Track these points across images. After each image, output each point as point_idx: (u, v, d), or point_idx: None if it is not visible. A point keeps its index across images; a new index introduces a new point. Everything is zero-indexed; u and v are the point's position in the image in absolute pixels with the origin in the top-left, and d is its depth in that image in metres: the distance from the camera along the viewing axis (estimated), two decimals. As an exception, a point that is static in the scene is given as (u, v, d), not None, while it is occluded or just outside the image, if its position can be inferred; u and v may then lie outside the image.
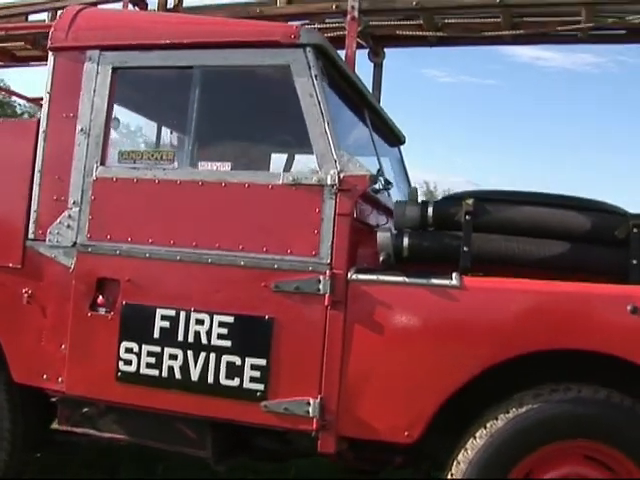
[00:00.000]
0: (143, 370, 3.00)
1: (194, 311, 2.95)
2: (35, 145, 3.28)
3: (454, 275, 2.69)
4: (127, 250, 3.07)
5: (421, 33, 4.00)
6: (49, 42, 3.31)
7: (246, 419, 2.89)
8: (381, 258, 2.79)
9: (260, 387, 2.85)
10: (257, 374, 2.85)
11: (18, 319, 3.25)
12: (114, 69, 3.18)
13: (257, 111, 3.30)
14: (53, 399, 3.29)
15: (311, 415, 2.77)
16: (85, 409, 3.24)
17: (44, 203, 3.24)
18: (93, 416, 3.23)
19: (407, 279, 2.73)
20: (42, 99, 4.67)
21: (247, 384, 2.86)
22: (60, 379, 3.15)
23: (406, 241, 2.80)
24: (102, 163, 3.16)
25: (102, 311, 3.10)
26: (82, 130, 3.20)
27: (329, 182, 2.82)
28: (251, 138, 3.42)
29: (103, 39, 3.22)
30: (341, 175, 2.81)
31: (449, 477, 2.66)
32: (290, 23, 3.15)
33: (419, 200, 2.94)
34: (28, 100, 4.73)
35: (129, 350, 3.03)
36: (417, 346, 2.70)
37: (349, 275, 2.79)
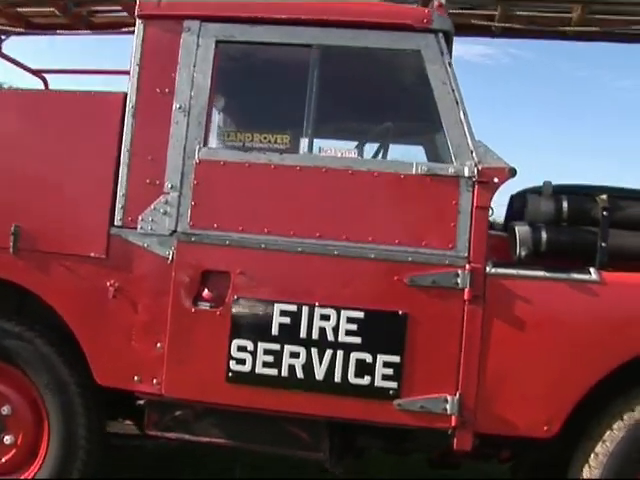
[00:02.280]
0: (259, 369, 2.92)
1: (318, 306, 2.91)
2: (121, 121, 3.10)
3: (592, 270, 2.83)
4: (238, 240, 2.97)
5: (487, 23, 4.12)
6: (137, 9, 3.14)
7: (378, 419, 2.89)
8: (523, 253, 2.89)
9: (393, 385, 2.86)
10: (390, 371, 2.86)
11: (102, 315, 3.07)
12: (218, 42, 3.07)
13: (380, 96, 3.27)
14: (140, 402, 3.15)
15: (449, 412, 2.82)
16: (178, 412, 3.12)
17: (134, 186, 3.07)
18: (187, 420, 3.11)
19: (547, 274, 2.84)
20: (42, 71, 4.46)
21: (379, 382, 2.86)
22: (155, 381, 3.01)
23: (544, 235, 2.91)
24: (204, 144, 3.05)
25: (208, 306, 3.00)
26: (180, 108, 3.05)
27: (466, 174, 2.87)
28: (372, 124, 3.39)
29: (204, 9, 3.08)
30: (479, 167, 2.87)
31: (585, 469, 2.81)
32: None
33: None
34: (31, 72, 4.41)
35: (242, 348, 2.94)
36: (557, 340, 2.81)
37: (487, 269, 2.87)
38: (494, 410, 2.82)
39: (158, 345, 3.00)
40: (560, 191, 3.01)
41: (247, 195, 2.99)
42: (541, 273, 2.84)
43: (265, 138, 3.04)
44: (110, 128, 3.10)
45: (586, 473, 2.79)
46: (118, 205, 3.06)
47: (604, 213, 2.88)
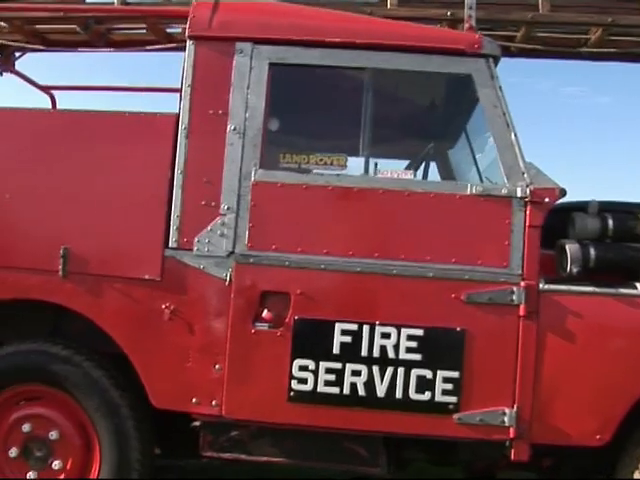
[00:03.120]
0: (321, 388, 3.02)
1: (379, 324, 3.03)
2: (174, 143, 3.15)
3: (638, 285, 3.05)
4: (297, 261, 3.06)
5: (505, 43, 4.32)
6: (187, 29, 3.19)
7: (438, 433, 3.03)
8: (574, 269, 3.07)
9: (453, 400, 3.00)
10: (449, 387, 3.00)
11: (157, 338, 3.11)
12: (271, 65, 3.15)
13: (431, 118, 3.41)
14: (195, 424, 3.21)
15: (507, 424, 2.98)
16: (233, 433, 3.19)
17: (189, 208, 3.12)
18: (243, 440, 3.18)
19: (596, 289, 3.04)
20: (50, 88, 4.45)
21: (439, 397, 3.00)
22: (214, 402, 3.07)
23: (593, 252, 3.10)
24: (261, 166, 3.13)
25: (267, 326, 3.08)
26: (235, 129, 3.12)
27: (519, 194, 3.03)
28: (424, 146, 3.52)
29: (256, 31, 3.15)
30: (531, 187, 3.05)
31: (636, 474, 3.01)
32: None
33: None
34: (40, 88, 4.38)
35: (304, 368, 3.04)
36: (608, 352, 3.00)
37: (540, 286, 3.04)
38: (548, 421, 2.99)
39: (217, 367, 3.06)
40: (601, 209, 3.20)
41: (305, 216, 3.08)
42: (591, 289, 3.03)
43: (321, 160, 3.14)
44: (162, 149, 3.15)
45: (637, 476, 2.98)
46: (173, 227, 3.11)
47: None
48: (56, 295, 3.16)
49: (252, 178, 3.08)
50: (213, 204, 3.09)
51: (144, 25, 4.44)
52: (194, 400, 3.07)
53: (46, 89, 4.50)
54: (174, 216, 3.11)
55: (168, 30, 4.53)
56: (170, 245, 3.11)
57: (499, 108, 3.07)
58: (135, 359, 3.11)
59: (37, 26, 4.35)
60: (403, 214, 3.06)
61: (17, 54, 4.39)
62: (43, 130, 3.24)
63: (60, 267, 3.12)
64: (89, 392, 3.17)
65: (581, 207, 3.19)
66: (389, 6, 4.06)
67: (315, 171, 3.11)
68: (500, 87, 3.08)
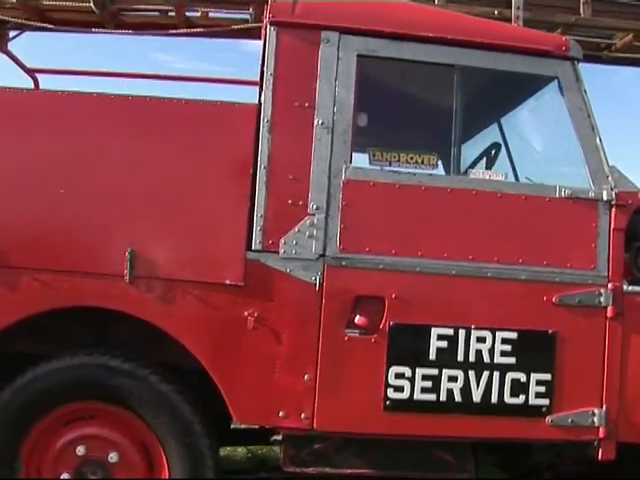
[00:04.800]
0: (417, 396, 3.00)
1: (475, 328, 3.05)
2: (256, 136, 3.02)
3: None
4: (392, 264, 3.02)
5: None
6: (268, 14, 3.05)
7: (531, 436, 3.10)
8: None
9: (545, 402, 3.09)
10: (542, 389, 3.09)
11: (239, 348, 2.96)
12: (359, 57, 3.08)
13: (517, 119, 3.45)
14: (275, 438, 3.09)
15: (596, 425, 3.10)
16: (317, 446, 3.11)
17: (274, 207, 2.99)
18: (327, 452, 3.09)
19: None
20: (35, 71, 4.12)
21: (533, 400, 3.07)
22: (303, 415, 2.97)
23: None
24: (351, 164, 3.05)
25: (361, 333, 3.03)
26: (323, 124, 3.02)
27: (605, 198, 3.16)
28: (511, 146, 3.55)
29: (343, 20, 3.06)
30: (615, 191, 3.19)
31: None
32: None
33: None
34: (25, 70, 4.01)
35: (400, 375, 3.00)
36: None
37: (625, 287, 3.20)
38: (634, 420, 3.15)
39: (306, 377, 2.96)
40: None
41: (398, 217, 3.04)
42: None
43: (412, 158, 3.11)
44: (243, 143, 2.99)
45: None
46: (256, 227, 2.97)
47: None
48: (121, 302, 2.93)
49: (342, 176, 3.00)
50: (300, 203, 2.98)
51: (160, 7, 4.18)
52: (281, 414, 2.95)
53: (32, 72, 4.12)
54: (257, 216, 2.97)
55: (187, 14, 4.29)
56: (253, 247, 2.96)
57: (584, 111, 3.18)
58: (215, 372, 2.94)
59: (43, 1, 3.96)
60: (495, 216, 3.10)
61: (13, 33, 3.97)
62: (102, 118, 2.98)
63: (126, 272, 2.89)
64: (157, 409, 2.97)
65: None
66: (436, 2, 4.07)
67: (406, 170, 3.08)
68: (585, 90, 3.19)
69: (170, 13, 4.27)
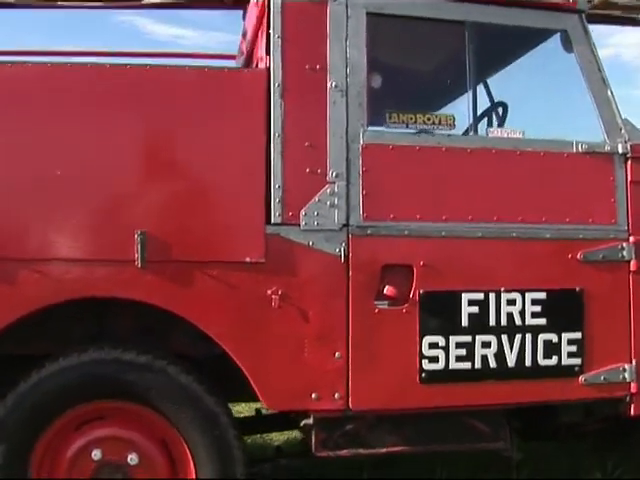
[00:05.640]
0: (453, 365, 2.94)
1: (504, 291, 3.00)
2: (267, 102, 2.87)
3: None
4: (418, 229, 2.93)
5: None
6: None
7: (565, 397, 3.08)
8: None
9: (577, 362, 3.07)
10: (574, 349, 3.07)
11: (264, 329, 2.82)
12: (368, 15, 2.98)
13: (524, 74, 3.40)
14: (306, 422, 2.97)
15: (628, 380, 3.11)
16: (348, 427, 3.00)
17: (291, 177, 2.86)
18: (360, 433, 2.99)
19: None
20: None
21: (565, 360, 3.05)
22: (337, 395, 2.85)
23: None
24: (369, 127, 2.95)
25: (390, 304, 2.94)
26: (336, 86, 2.90)
27: (620, 150, 3.17)
28: (528, 100, 3.48)
29: None
30: (629, 144, 3.20)
31: None
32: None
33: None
34: None
35: (434, 345, 2.93)
36: None
37: None
38: None
39: (337, 354, 2.85)
40: None
41: (420, 180, 2.96)
42: None
43: (429, 119, 3.03)
44: (254, 110, 2.85)
45: None
46: (274, 199, 2.83)
47: None
48: (133, 290, 2.74)
49: (361, 141, 2.90)
50: (319, 171, 2.86)
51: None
52: (314, 395, 2.83)
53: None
54: (275, 187, 2.83)
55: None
56: (273, 221, 2.82)
57: (594, 64, 3.17)
58: (241, 358, 2.79)
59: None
60: (516, 174, 3.05)
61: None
62: (99, 90, 2.77)
63: (137, 255, 2.70)
64: (179, 403, 2.80)
65: None
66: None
67: (424, 131, 3.00)
68: (594, 43, 3.19)
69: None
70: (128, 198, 2.74)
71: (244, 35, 3.83)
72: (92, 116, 2.74)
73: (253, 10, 3.36)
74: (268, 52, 2.88)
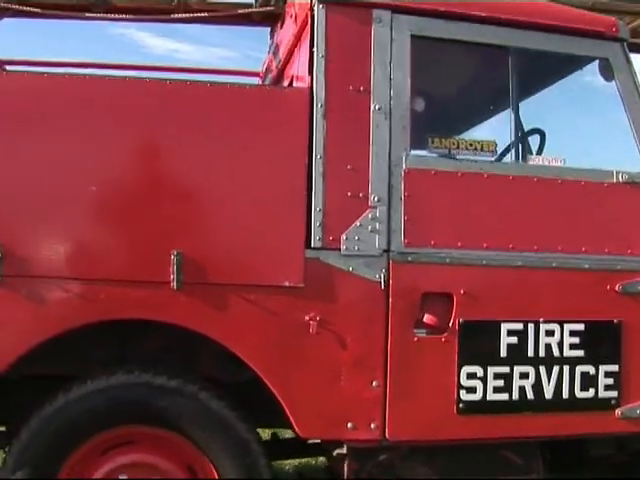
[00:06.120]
0: (490, 396, 2.90)
1: (543, 322, 2.98)
2: (309, 122, 2.84)
3: None
4: (459, 257, 2.91)
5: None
6: None
7: (601, 430, 3.06)
8: None
9: (614, 394, 3.05)
10: (611, 381, 3.05)
11: (301, 355, 2.77)
12: (413, 37, 2.97)
13: (565, 101, 3.40)
14: (339, 452, 2.92)
15: None
16: (382, 457, 2.96)
17: (333, 200, 2.82)
18: (393, 463, 2.96)
19: None
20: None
21: (602, 393, 3.03)
22: (373, 425, 2.81)
23: None
24: (412, 151, 2.93)
25: (428, 332, 2.91)
26: (380, 109, 2.87)
27: None
28: (565, 129, 3.48)
29: None
30: None
31: None
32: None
33: None
34: None
35: (472, 375, 2.90)
36: None
37: None
38: None
39: (374, 383, 2.82)
40: None
41: (461, 207, 2.94)
42: None
43: (471, 145, 3.01)
44: (296, 131, 2.81)
45: None
46: (315, 223, 2.80)
47: None
48: (168, 312, 2.69)
49: (404, 165, 2.87)
50: (361, 195, 2.83)
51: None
52: (350, 425, 2.79)
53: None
54: (316, 210, 2.79)
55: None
56: (313, 245, 2.79)
57: (636, 93, 3.18)
58: (276, 384, 2.74)
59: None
60: (557, 203, 3.04)
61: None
62: (138, 103, 2.73)
63: (173, 277, 2.66)
64: (211, 429, 2.75)
65: None
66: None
67: (467, 157, 2.98)
68: (635, 72, 3.20)
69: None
70: (166, 218, 2.69)
71: (275, 52, 3.81)
72: (130, 133, 2.69)
73: (290, 27, 3.34)
74: (311, 71, 2.85)
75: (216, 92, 2.78)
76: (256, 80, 4.19)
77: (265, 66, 4.15)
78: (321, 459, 4.02)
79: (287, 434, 3.54)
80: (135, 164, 2.70)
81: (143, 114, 2.70)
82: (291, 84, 3.42)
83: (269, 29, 4.07)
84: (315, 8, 2.86)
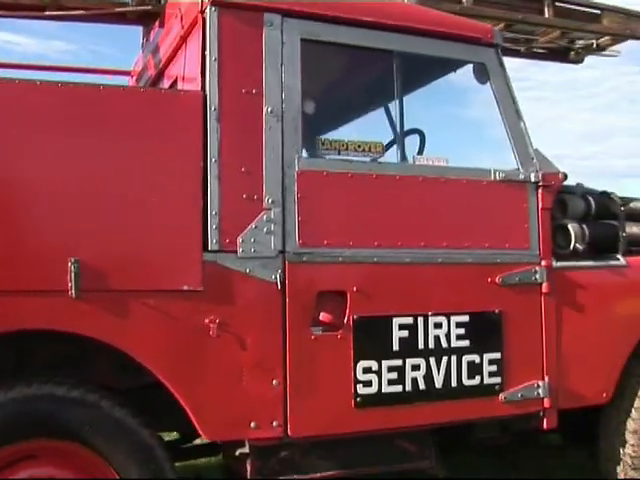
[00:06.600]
0: (385, 389, 3.06)
1: (432, 315, 3.18)
2: (204, 126, 2.89)
3: (619, 257, 3.70)
4: (351, 256, 3.04)
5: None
6: None
7: (487, 414, 3.29)
8: (579, 246, 3.59)
9: (498, 380, 3.29)
10: (494, 368, 3.29)
11: (202, 359, 2.82)
12: (303, 41, 3.07)
13: (443, 104, 3.58)
14: (240, 451, 2.99)
15: (542, 396, 3.37)
16: (283, 453, 3.06)
17: (228, 203, 2.88)
18: (294, 459, 3.04)
19: (595, 263, 3.61)
20: None
21: (487, 380, 3.26)
22: (275, 423, 2.91)
23: (587, 230, 3.66)
24: (304, 153, 3.04)
25: (326, 330, 3.03)
26: (272, 112, 2.96)
27: (532, 179, 3.43)
28: (440, 131, 3.64)
29: (285, 1, 3.04)
30: (540, 173, 3.48)
31: (629, 422, 3.66)
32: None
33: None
34: None
35: (367, 370, 3.04)
36: (606, 317, 3.56)
37: (553, 264, 3.51)
38: (569, 387, 3.46)
39: (274, 382, 2.91)
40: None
41: (352, 207, 3.07)
42: (591, 263, 3.58)
43: (359, 146, 3.15)
44: (191, 134, 2.85)
45: (630, 424, 3.64)
46: (211, 226, 2.85)
47: (622, 209, 3.76)
48: (68, 322, 2.66)
49: (296, 167, 2.98)
50: (255, 197, 2.91)
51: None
52: (253, 424, 2.87)
53: None
54: (211, 213, 2.84)
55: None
56: (210, 248, 2.84)
57: (509, 97, 3.44)
58: (178, 388, 2.78)
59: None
60: (441, 201, 3.24)
61: None
62: (31, 107, 2.68)
63: (71, 285, 2.64)
64: (114, 437, 2.75)
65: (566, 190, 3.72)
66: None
67: (357, 158, 3.12)
68: (509, 76, 3.45)
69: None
70: (60, 225, 2.66)
71: (153, 52, 3.79)
72: (18, 139, 2.63)
73: (174, 27, 3.35)
74: (203, 74, 2.89)
75: (109, 95, 2.76)
76: (127, 79, 4.17)
77: (139, 65, 4.13)
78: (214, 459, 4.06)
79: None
80: (27, 170, 2.64)
81: (30, 117, 2.64)
82: (174, 85, 3.44)
83: (141, 28, 4.04)
84: (207, 10, 2.89)
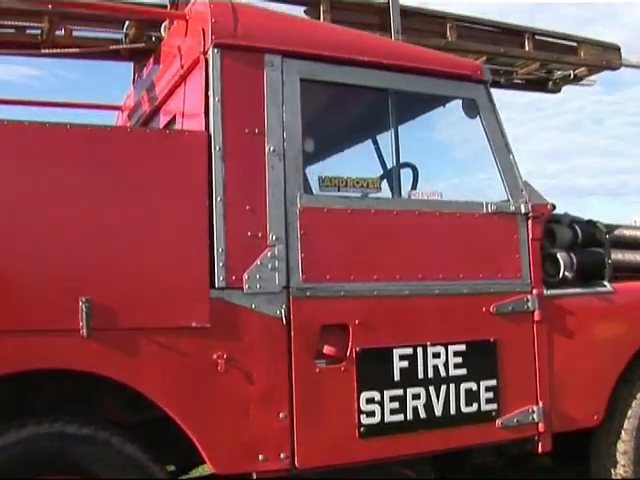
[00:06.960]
0: (388, 418, 3.16)
1: (430, 345, 3.30)
2: (208, 166, 2.99)
3: (606, 283, 3.87)
4: (352, 290, 3.15)
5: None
6: (210, 35, 3.03)
7: (485, 440, 3.41)
8: (568, 274, 3.74)
9: (494, 407, 3.42)
10: (491, 395, 3.41)
11: (211, 394, 2.91)
12: (302, 80, 3.19)
13: (439, 141, 3.72)
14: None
15: (536, 420, 3.49)
16: (283, 486, 3.14)
17: (234, 240, 2.98)
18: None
19: (583, 290, 3.77)
20: None
21: (484, 406, 3.38)
22: (283, 455, 2.99)
23: (575, 259, 3.82)
24: (305, 191, 3.15)
25: (329, 362, 3.12)
26: (274, 151, 3.07)
27: (523, 211, 3.59)
28: (438, 165, 3.77)
29: (284, 43, 3.13)
30: (529, 204, 3.63)
31: (620, 443, 3.80)
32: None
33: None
34: None
35: (370, 400, 3.14)
36: (595, 341, 3.70)
37: (544, 292, 3.66)
38: (562, 411, 3.59)
39: (281, 415, 2.99)
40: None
41: (352, 242, 3.19)
42: (580, 290, 3.74)
43: (358, 182, 3.28)
44: (197, 173, 2.94)
45: (620, 445, 3.78)
46: (218, 264, 2.94)
47: (607, 236, 3.93)
48: (79, 361, 2.72)
49: (298, 204, 3.08)
50: (260, 235, 3.01)
51: (23, 23, 3.83)
52: (261, 457, 2.95)
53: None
54: (218, 251, 2.94)
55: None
56: (217, 285, 2.93)
57: (498, 131, 3.60)
58: (188, 423, 2.85)
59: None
60: (436, 234, 3.38)
61: None
62: (42, 149, 2.76)
63: (82, 324, 2.71)
64: (124, 473, 2.81)
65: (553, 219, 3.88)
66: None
67: (354, 194, 3.25)
68: (498, 111, 3.61)
69: (29, 31, 3.95)
70: (70, 262, 2.73)
71: (148, 89, 3.89)
72: (29, 179, 2.71)
73: (174, 66, 3.45)
74: (207, 114, 2.99)
75: (117, 136, 2.85)
76: (116, 114, 4.26)
77: (130, 100, 4.22)
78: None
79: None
80: (37, 211, 2.71)
81: (43, 159, 2.72)
82: (172, 121, 3.53)
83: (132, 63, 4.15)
84: (210, 52, 3.00)
